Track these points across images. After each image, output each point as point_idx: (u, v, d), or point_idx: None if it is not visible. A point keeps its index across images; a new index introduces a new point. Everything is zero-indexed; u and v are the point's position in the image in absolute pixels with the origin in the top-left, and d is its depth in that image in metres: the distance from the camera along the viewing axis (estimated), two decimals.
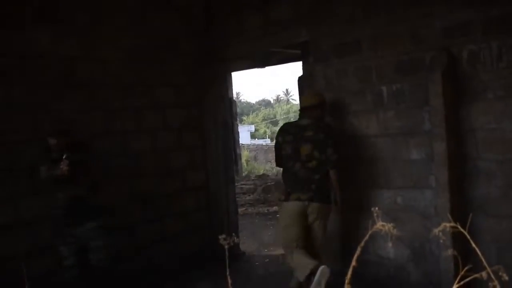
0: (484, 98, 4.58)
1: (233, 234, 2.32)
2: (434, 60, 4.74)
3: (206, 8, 6.45)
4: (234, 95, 16.07)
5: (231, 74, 12.17)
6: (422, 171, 4.94)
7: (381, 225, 1.58)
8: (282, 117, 50.09)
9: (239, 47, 6.34)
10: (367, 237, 2.17)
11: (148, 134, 5.88)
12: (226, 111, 6.88)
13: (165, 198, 6.01)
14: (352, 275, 1.58)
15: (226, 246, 2.07)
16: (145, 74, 5.83)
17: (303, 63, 5.84)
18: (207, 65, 6.52)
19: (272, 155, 25.40)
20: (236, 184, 12.08)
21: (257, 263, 6.48)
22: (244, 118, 54.98)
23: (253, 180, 13.94)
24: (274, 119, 51.99)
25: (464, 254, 4.50)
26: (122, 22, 5.58)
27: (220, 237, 2.15)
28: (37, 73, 4.84)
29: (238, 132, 15.20)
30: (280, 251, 6.93)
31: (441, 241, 2.14)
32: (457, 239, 4.55)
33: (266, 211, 10.25)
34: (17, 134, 4.65)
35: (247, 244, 7.23)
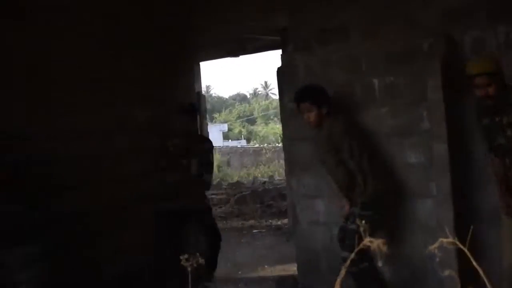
0: None
1: (197, 253, 2.31)
2: (433, 47, 4.80)
3: None
4: (204, 89, 16.06)
5: (199, 64, 12.21)
6: (421, 177, 4.98)
7: (368, 241, 1.58)
8: (261, 114, 50.23)
9: (209, 33, 6.36)
10: (352, 255, 2.20)
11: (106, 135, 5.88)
12: (194, 107, 6.83)
13: (118, 210, 5.96)
14: None
15: (189, 268, 2.08)
16: (90, 63, 5.79)
17: (282, 52, 5.88)
18: (169, 53, 6.50)
19: (249, 159, 25.38)
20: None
21: (231, 287, 6.48)
22: (216, 115, 54.95)
23: (225, 189, 13.96)
24: (251, 117, 52.09)
25: (471, 274, 4.57)
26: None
27: (181, 257, 2.15)
28: None
29: (208, 132, 15.17)
30: (257, 273, 6.98)
31: (437, 259, 2.16)
32: (462, 256, 4.62)
33: (240, 226, 10.28)
34: None
35: (218, 265, 7.16)
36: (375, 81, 5.25)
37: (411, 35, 5.02)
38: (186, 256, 2.10)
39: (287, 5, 5.69)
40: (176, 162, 5.81)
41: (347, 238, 4.58)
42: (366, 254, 4.40)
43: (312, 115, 4.82)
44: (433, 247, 1.40)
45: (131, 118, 6.13)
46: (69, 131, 5.57)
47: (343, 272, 1.62)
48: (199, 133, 6.22)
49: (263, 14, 5.87)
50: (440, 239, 1.42)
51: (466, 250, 1.47)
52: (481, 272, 1.39)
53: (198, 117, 6.26)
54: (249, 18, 5.98)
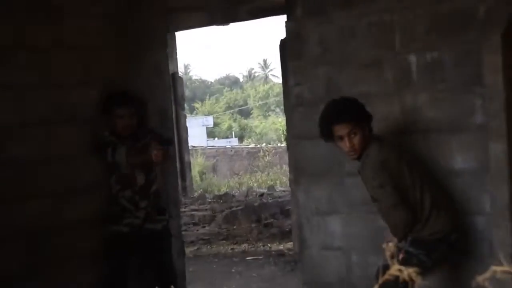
0: None
1: (172, 287, 2.32)
2: (492, 14, 4.81)
3: None
4: (181, 69, 16.04)
5: (174, 34, 12.24)
6: (471, 188, 5.00)
7: (397, 269, 1.55)
8: (257, 104, 50.39)
9: None
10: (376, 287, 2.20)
11: (39, 130, 5.79)
12: (165, 93, 6.90)
13: (66, 234, 5.92)
14: None
15: None
16: (32, 33, 5.75)
17: (287, 17, 5.87)
18: (134, 17, 6.49)
19: (241, 164, 25.53)
20: (183, 209, 12.13)
21: None
22: (197, 105, 54.98)
23: (210, 203, 13.99)
24: (244, 107, 52.22)
25: None
26: None
27: None
28: None
29: (186, 128, 15.21)
30: None
31: None
32: None
33: (230, 252, 10.33)
34: None
35: None
36: (413, 58, 5.26)
37: None
38: None
39: None
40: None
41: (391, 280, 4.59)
42: None
43: (356, 140, 4.71)
44: (483, 277, 1.38)
45: (85, 106, 6.08)
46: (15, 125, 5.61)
47: None
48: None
49: None
50: (493, 267, 1.38)
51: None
52: None
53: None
54: None
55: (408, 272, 1.51)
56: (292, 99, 5.95)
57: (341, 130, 4.68)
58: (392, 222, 4.64)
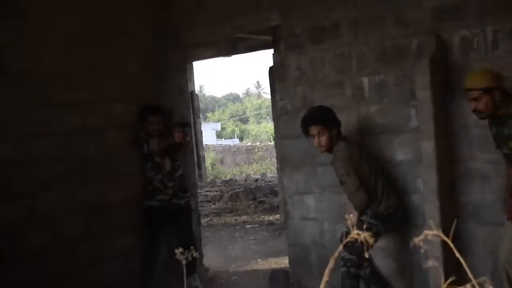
0: None
1: (192, 247, 2.31)
2: (422, 46, 4.81)
3: None
4: (197, 88, 16.04)
5: (192, 63, 12.18)
6: (409, 174, 5.00)
7: (356, 233, 1.54)
8: (253, 113, 50.29)
9: (200, 32, 6.34)
10: (340, 247, 2.19)
11: (93, 133, 5.77)
12: (186, 105, 6.88)
13: (114, 209, 5.91)
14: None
15: (184, 262, 2.07)
16: (90, 62, 5.72)
17: (274, 51, 5.88)
18: (163, 52, 6.46)
19: (242, 157, 25.42)
20: (199, 191, 12.09)
21: (223, 281, 6.52)
22: (209, 114, 55.01)
23: (219, 186, 13.98)
24: (243, 116, 52.18)
25: (455, 266, 4.59)
26: (60, 1, 5.50)
27: (176, 251, 2.14)
28: None
29: (201, 131, 15.22)
30: (250, 266, 6.99)
31: (422, 251, 2.16)
32: (447, 249, 4.63)
33: (234, 222, 10.29)
34: None
35: (212, 259, 7.23)
36: (365, 79, 5.25)
37: (401, 34, 5.02)
38: (180, 250, 2.11)
39: (279, 3, 5.67)
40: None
41: (352, 242, 4.58)
42: (368, 259, 4.84)
43: (324, 139, 4.76)
44: (418, 239, 1.40)
45: (127, 115, 6.08)
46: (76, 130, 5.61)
47: (332, 263, 1.60)
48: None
49: (255, 13, 5.84)
50: (425, 232, 1.41)
51: (449, 242, 1.45)
52: (463, 263, 1.38)
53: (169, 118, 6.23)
54: (241, 17, 5.95)
55: (364, 235, 1.52)
56: (278, 110, 5.93)
57: (313, 130, 4.76)
58: (354, 200, 4.64)
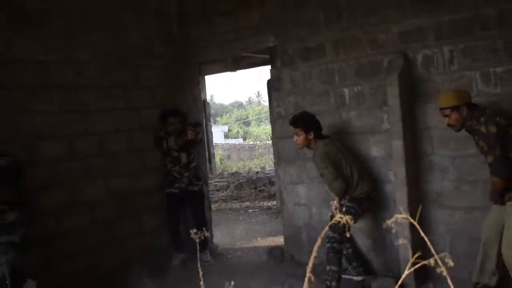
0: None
1: (204, 228, 2.34)
2: (392, 63, 4.80)
3: (179, 14, 6.41)
4: (208, 97, 16.08)
5: (204, 77, 12.18)
6: (382, 167, 5.00)
7: (339, 217, 1.56)
8: (254, 117, 50.21)
9: (210, 51, 6.33)
10: (326, 228, 2.22)
11: (124, 135, 5.79)
12: (199, 111, 6.86)
13: (141, 196, 5.93)
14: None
15: (197, 240, 2.10)
16: (121, 77, 5.74)
17: (271, 67, 5.87)
18: (180, 68, 6.47)
19: (245, 154, 25.35)
20: (210, 181, 12.09)
21: (229, 256, 6.48)
22: (218, 119, 54.82)
23: (226, 177, 13.96)
24: (246, 120, 52.09)
25: (420, 243, 4.60)
26: (97, 26, 5.50)
27: (191, 231, 2.17)
28: (13, 75, 4.74)
29: (212, 132, 15.20)
30: (252, 244, 7.00)
31: (393, 231, 2.16)
32: (414, 229, 4.65)
33: (238, 207, 10.23)
34: None
35: (220, 238, 7.23)
36: (346, 90, 5.24)
37: (374, 53, 5.02)
38: (194, 230, 2.14)
39: (275, 29, 5.67)
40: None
41: (335, 223, 4.60)
42: (350, 239, 4.90)
43: (299, 139, 4.77)
44: (390, 221, 1.41)
45: (151, 120, 6.11)
46: (110, 132, 5.63)
47: (319, 241, 1.62)
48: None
49: (255, 37, 5.84)
50: (396, 215, 1.40)
51: (415, 224, 1.46)
52: (427, 241, 1.40)
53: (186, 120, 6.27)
54: (244, 40, 5.95)
55: (345, 218, 1.54)
56: (275, 115, 5.92)
57: (295, 130, 4.79)
58: (333, 188, 4.63)
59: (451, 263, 1.26)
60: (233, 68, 10.17)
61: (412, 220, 1.46)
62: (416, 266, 1.37)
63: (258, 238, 7.37)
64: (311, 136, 4.75)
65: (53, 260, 4.94)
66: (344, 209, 4.62)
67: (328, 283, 4.57)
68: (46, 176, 4.95)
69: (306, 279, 1.49)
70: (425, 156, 4.79)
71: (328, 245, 4.58)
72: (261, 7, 5.75)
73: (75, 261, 5.08)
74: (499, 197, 3.87)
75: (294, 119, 4.84)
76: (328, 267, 4.58)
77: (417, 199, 4.74)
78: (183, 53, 6.46)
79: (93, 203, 5.39)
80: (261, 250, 6.55)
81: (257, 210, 9.73)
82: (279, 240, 6.50)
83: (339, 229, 4.46)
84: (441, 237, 4.73)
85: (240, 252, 6.63)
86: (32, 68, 4.88)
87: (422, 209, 4.76)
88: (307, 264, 1.53)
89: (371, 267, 5.11)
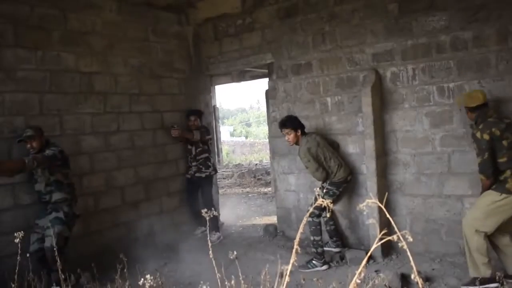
0: (402, 107, 4.70)
1: (213, 208, 2.38)
2: (366, 78, 4.83)
3: (195, 36, 6.41)
4: (218, 104, 16.04)
5: (214, 87, 12.17)
6: (357, 161, 5.02)
7: (321, 201, 1.56)
8: (254, 120, 50.10)
9: (219, 66, 6.33)
10: (311, 209, 2.27)
11: (149, 132, 5.81)
12: (210, 114, 6.86)
13: (163, 181, 5.95)
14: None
15: (207, 217, 2.15)
16: (148, 86, 5.76)
17: (268, 79, 5.87)
18: (195, 80, 6.48)
19: (247, 149, 25.27)
20: (218, 171, 12.11)
21: (232, 231, 6.49)
22: (225, 121, 54.63)
23: (231, 168, 13.95)
24: (248, 122, 51.99)
25: (387, 223, 4.65)
26: (129, 46, 5.53)
27: (202, 210, 2.22)
28: (63, 84, 4.79)
29: (220, 132, 15.16)
30: (251, 221, 7.03)
31: (365, 213, 2.20)
32: (381, 212, 4.70)
33: (240, 192, 10.20)
34: (47, 132, 4.57)
35: (226, 217, 7.23)
36: (328, 99, 5.26)
37: (352, 70, 5.04)
38: (205, 210, 2.18)
39: (273, 49, 5.69)
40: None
41: (314, 200, 4.69)
42: (332, 218, 4.98)
43: (291, 136, 4.72)
44: (362, 205, 1.44)
45: (171, 120, 6.13)
46: (136, 130, 5.64)
47: (305, 220, 1.63)
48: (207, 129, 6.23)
49: (256, 55, 5.86)
50: (367, 200, 1.42)
51: (382, 207, 1.49)
52: (392, 221, 1.43)
53: (202, 118, 6.32)
54: (246, 58, 5.96)
55: (326, 202, 1.56)
56: (271, 118, 5.90)
57: (284, 131, 4.76)
58: (316, 177, 4.67)
59: (410, 239, 1.28)
60: (238, 80, 10.20)
61: (379, 204, 1.48)
62: (382, 241, 1.38)
63: (256, 217, 7.37)
64: (299, 133, 4.71)
65: (92, 232, 5.01)
66: (324, 190, 4.67)
67: (314, 249, 4.62)
68: (87, 164, 5.00)
69: (293, 250, 1.50)
70: (391, 153, 4.82)
71: (309, 219, 4.59)
72: (262, 31, 5.76)
73: (109, 233, 5.14)
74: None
75: (283, 122, 4.78)
76: (312, 238, 4.61)
77: (385, 188, 4.78)
78: (197, 67, 6.47)
79: (123, 187, 5.42)
80: (258, 227, 6.54)
81: (255, 195, 9.72)
82: (273, 219, 6.50)
83: (318, 207, 4.47)
84: (403, 218, 4.77)
85: (241, 228, 6.63)
86: (77, 77, 4.92)
87: (388, 196, 4.80)
88: (295, 239, 1.55)
89: (347, 242, 5.13)
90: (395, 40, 4.67)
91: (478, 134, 3.61)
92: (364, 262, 1.49)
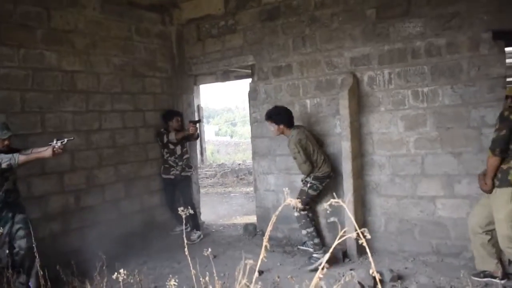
0: (378, 110, 4.81)
1: (189, 207, 2.41)
2: (343, 81, 4.90)
3: (178, 36, 6.44)
4: (204, 103, 16.04)
5: (198, 86, 12.19)
6: (334, 162, 5.04)
7: (289, 200, 1.57)
8: (240, 120, 50.14)
9: (202, 66, 6.33)
10: (280, 208, 2.33)
11: (131, 131, 5.84)
12: (193, 114, 6.86)
13: (144, 180, 5.98)
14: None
15: (184, 215, 2.20)
16: (130, 85, 5.79)
17: (251, 81, 5.90)
18: (178, 79, 6.51)
19: (231, 149, 25.19)
20: (201, 170, 12.09)
21: (213, 230, 6.52)
22: (211, 120, 54.45)
23: (214, 168, 13.96)
24: (233, 121, 52.00)
25: (362, 222, 4.76)
26: (112, 45, 5.54)
27: (179, 209, 2.26)
28: (46, 82, 4.80)
29: (204, 131, 15.18)
30: (232, 221, 7.08)
31: (328, 211, 2.24)
32: (357, 212, 4.81)
33: (222, 191, 10.22)
34: (28, 129, 4.60)
35: (207, 216, 7.25)
36: (308, 101, 5.32)
37: (330, 73, 5.12)
38: (182, 208, 2.22)
39: (254, 51, 5.74)
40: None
41: (299, 194, 4.72)
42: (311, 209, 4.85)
43: (273, 128, 4.75)
44: (326, 204, 1.44)
45: (154, 120, 6.17)
46: (118, 129, 5.65)
47: (274, 218, 1.58)
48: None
49: (238, 56, 5.91)
50: (331, 200, 1.41)
51: (345, 206, 1.50)
52: (352, 217, 1.48)
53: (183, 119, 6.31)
54: (229, 59, 6.02)
55: (294, 201, 1.52)
56: (252, 119, 5.94)
57: (268, 122, 4.79)
58: (302, 169, 4.65)
59: (368, 236, 1.32)
60: (223, 80, 10.23)
61: (343, 204, 1.51)
62: (342, 239, 1.42)
63: (237, 217, 7.41)
64: (282, 126, 4.71)
65: (72, 229, 5.02)
66: (308, 185, 4.73)
67: (311, 241, 4.67)
68: (68, 162, 5.01)
69: (263, 246, 1.52)
70: (368, 155, 4.91)
71: (296, 214, 4.66)
72: (244, 33, 5.81)
73: (89, 230, 5.16)
74: (491, 180, 3.63)
75: (267, 113, 4.81)
76: (305, 232, 4.66)
77: (360, 187, 4.88)
78: (180, 67, 6.49)
79: (104, 185, 5.44)
80: (238, 226, 6.58)
81: (237, 194, 9.74)
82: (253, 219, 6.52)
83: (303, 201, 4.59)
84: (378, 218, 4.87)
85: (222, 227, 6.66)
86: (60, 76, 4.93)
87: (363, 196, 4.91)
88: (274, 238, 1.57)
89: (325, 241, 5.21)
90: (373, 45, 4.78)
91: (506, 113, 3.54)
92: (326, 257, 1.55)
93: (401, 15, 4.60)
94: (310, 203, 4.79)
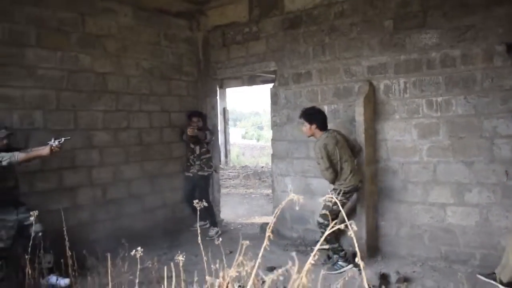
0: (393, 118, 4.90)
1: (203, 200, 2.54)
2: (360, 89, 5.01)
3: (204, 41, 6.69)
4: (231, 106, 16.27)
5: (225, 90, 12.47)
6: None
7: (292, 195, 1.61)
8: (267, 123, 50.27)
9: (227, 71, 6.52)
10: (283, 203, 2.51)
11: (157, 130, 6.08)
12: (216, 116, 7.05)
13: (167, 177, 6.19)
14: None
15: (198, 208, 2.34)
16: (157, 88, 6.05)
17: (272, 86, 6.06)
18: (203, 83, 6.72)
19: (256, 152, 25.31)
20: (225, 171, 12.29)
21: (232, 228, 6.67)
22: (238, 123, 54.66)
23: (237, 169, 14.11)
24: (260, 125, 52.16)
25: (375, 226, 4.85)
26: (142, 49, 5.81)
27: (194, 201, 2.41)
28: (79, 82, 5.11)
29: (229, 133, 15.37)
30: (250, 220, 7.26)
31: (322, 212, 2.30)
32: (369, 216, 4.92)
33: (244, 192, 10.31)
34: (62, 126, 4.90)
35: (226, 215, 7.39)
36: (325, 107, 5.41)
37: (348, 81, 5.24)
38: (196, 200, 2.39)
39: (276, 57, 5.89)
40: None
41: (322, 208, 4.50)
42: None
43: (304, 128, 4.65)
44: (321, 199, 1.57)
45: (179, 120, 6.37)
46: (145, 128, 5.90)
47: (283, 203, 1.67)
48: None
49: (261, 62, 6.05)
50: (327, 196, 1.53)
51: (342, 210, 1.62)
52: (344, 216, 1.51)
53: (206, 118, 6.46)
54: (252, 64, 6.19)
55: (297, 197, 1.55)
56: (272, 123, 6.05)
57: (302, 120, 4.67)
58: (324, 176, 4.52)
59: (355, 228, 1.40)
60: (249, 84, 10.49)
61: (341, 208, 1.64)
62: (331, 230, 1.54)
63: (256, 216, 7.53)
64: (314, 127, 4.57)
65: (99, 220, 5.32)
66: (339, 203, 4.58)
67: (337, 255, 4.59)
68: (97, 157, 5.32)
69: (266, 238, 1.52)
70: (382, 161, 5.00)
71: (321, 230, 4.47)
72: (267, 40, 6.00)
73: (114, 222, 5.45)
74: None
75: (302, 112, 4.68)
76: (330, 246, 4.56)
77: (374, 193, 4.97)
78: (205, 71, 6.71)
79: (129, 181, 5.70)
80: (256, 225, 6.72)
81: (258, 195, 9.82)
82: (270, 218, 6.72)
83: (326, 217, 4.41)
84: (390, 222, 4.95)
85: (240, 226, 6.82)
86: (92, 77, 5.24)
87: (377, 201, 5.01)
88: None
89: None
90: (389, 55, 4.90)
91: None
92: (317, 246, 1.58)
93: (418, 26, 4.71)
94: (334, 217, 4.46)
